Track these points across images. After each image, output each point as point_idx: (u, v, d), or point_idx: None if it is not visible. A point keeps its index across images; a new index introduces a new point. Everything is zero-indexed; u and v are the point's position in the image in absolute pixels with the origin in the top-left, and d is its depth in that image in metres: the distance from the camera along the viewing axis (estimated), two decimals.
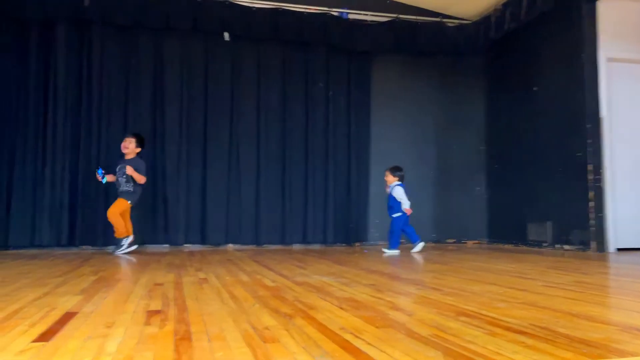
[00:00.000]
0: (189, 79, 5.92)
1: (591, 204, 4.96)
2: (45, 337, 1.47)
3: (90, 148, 5.55)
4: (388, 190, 5.18)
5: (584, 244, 5.02)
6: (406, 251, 5.15)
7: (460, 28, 6.60)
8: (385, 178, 5.26)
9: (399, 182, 5.13)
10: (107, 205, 5.42)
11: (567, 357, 1.26)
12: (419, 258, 4.45)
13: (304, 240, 6.11)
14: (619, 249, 5.00)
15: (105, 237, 5.38)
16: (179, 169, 5.82)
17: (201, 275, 3.02)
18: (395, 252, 4.96)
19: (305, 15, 6.13)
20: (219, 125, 5.97)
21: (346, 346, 1.37)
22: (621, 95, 5.24)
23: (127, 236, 4.71)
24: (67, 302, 2.05)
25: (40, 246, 5.28)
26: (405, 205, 5.02)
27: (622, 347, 1.37)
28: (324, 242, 6.16)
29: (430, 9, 6.61)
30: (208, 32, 5.92)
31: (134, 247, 4.84)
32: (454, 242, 6.60)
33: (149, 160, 5.69)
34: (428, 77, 6.73)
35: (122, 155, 4.90)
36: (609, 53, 5.15)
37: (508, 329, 1.57)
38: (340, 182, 6.30)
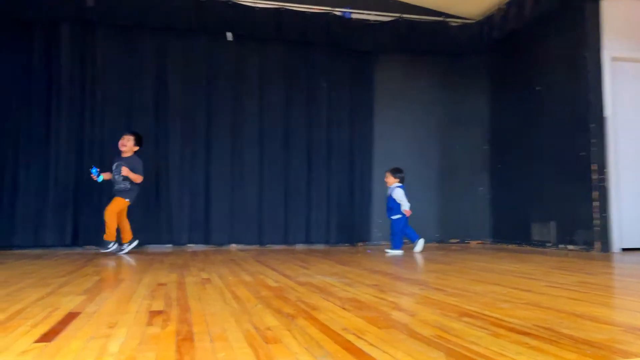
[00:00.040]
0: (191, 78, 5.93)
1: (595, 203, 4.94)
2: (47, 337, 1.47)
3: (93, 148, 5.56)
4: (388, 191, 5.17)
5: (588, 244, 5.00)
6: (409, 251, 5.14)
7: (464, 27, 6.58)
8: (385, 179, 5.24)
9: (399, 184, 5.11)
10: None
11: (571, 358, 1.25)
12: (421, 258, 4.44)
13: (307, 240, 6.11)
14: (624, 249, 4.97)
15: None
16: (182, 169, 5.83)
17: (204, 275, 3.02)
18: (398, 252, 4.95)
19: (308, 15, 6.13)
20: (222, 125, 5.97)
21: (348, 347, 1.37)
22: (625, 94, 5.22)
23: (114, 241, 4.60)
24: (70, 302, 2.05)
25: (44, 246, 5.30)
26: (405, 207, 5.01)
27: (626, 348, 1.36)
28: (327, 242, 6.16)
29: (433, 9, 6.60)
30: (211, 32, 5.93)
31: (132, 246, 4.81)
32: (457, 242, 6.58)
33: (152, 160, 5.71)
34: (431, 77, 6.72)
35: (119, 152, 4.78)
36: (613, 52, 5.13)
37: (511, 329, 1.57)
38: (343, 182, 6.29)
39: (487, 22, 6.38)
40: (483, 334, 1.51)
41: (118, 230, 4.74)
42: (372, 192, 6.33)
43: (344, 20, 6.25)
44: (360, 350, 1.33)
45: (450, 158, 6.67)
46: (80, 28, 5.61)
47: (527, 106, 5.97)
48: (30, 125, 5.43)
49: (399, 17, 6.39)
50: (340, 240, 6.21)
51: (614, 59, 5.14)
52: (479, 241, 6.63)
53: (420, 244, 5.16)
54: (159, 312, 1.84)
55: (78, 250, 5.28)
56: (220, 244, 5.85)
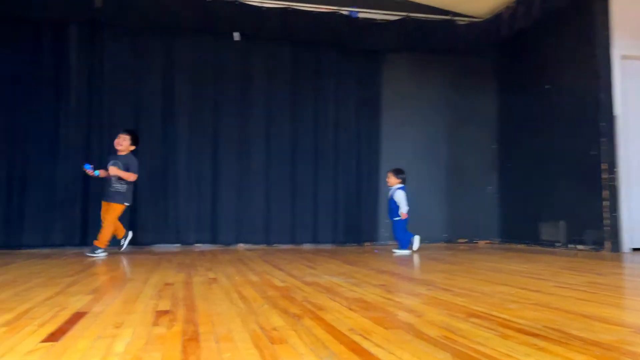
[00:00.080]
0: (199, 79, 5.94)
1: (605, 203, 4.90)
2: (54, 337, 1.48)
3: (102, 148, 5.58)
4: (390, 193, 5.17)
5: (598, 244, 4.96)
6: (417, 250, 5.11)
7: (472, 26, 6.54)
8: (387, 180, 5.22)
9: (401, 185, 5.09)
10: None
11: None
12: (420, 257, 4.42)
13: (314, 240, 6.10)
14: (634, 249, 4.92)
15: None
16: (190, 169, 5.84)
17: (211, 275, 3.03)
18: (406, 252, 4.93)
19: (315, 15, 6.12)
20: (229, 124, 5.98)
21: (354, 347, 1.36)
22: (635, 92, 5.16)
23: (104, 248, 4.48)
24: (77, 302, 2.06)
25: (53, 246, 5.33)
26: (403, 209, 4.99)
27: (636, 350, 1.34)
28: (334, 241, 6.15)
29: (441, 7, 6.56)
30: (218, 32, 5.93)
31: (129, 239, 4.80)
32: (466, 242, 6.55)
33: (160, 160, 5.75)
34: (438, 76, 6.68)
35: (115, 151, 4.67)
36: (622, 50, 5.07)
37: (520, 330, 1.55)
38: (351, 182, 6.28)
39: (495, 20, 6.33)
40: (491, 335, 1.49)
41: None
42: (379, 192, 6.31)
43: (351, 20, 6.24)
44: (366, 351, 1.33)
45: (458, 157, 6.63)
46: (88, 29, 5.64)
47: (536, 105, 5.93)
48: (38, 125, 5.47)
49: (406, 16, 6.37)
50: (347, 240, 6.20)
51: (624, 57, 5.09)
52: (487, 241, 6.59)
53: (416, 242, 5.14)
54: (166, 312, 1.84)
55: (87, 249, 5.30)
56: (228, 244, 5.85)
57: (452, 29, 6.45)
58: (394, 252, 4.95)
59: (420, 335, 1.50)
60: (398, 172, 5.13)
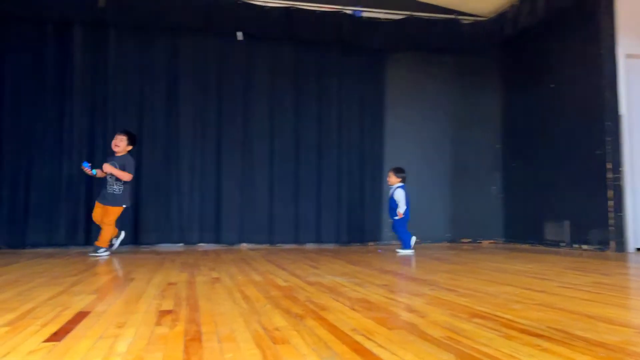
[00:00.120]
0: (202, 78, 5.95)
1: (610, 202, 4.87)
2: (56, 337, 1.47)
3: (106, 148, 5.58)
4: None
5: (603, 244, 4.93)
6: (421, 250, 5.10)
7: (476, 25, 6.52)
8: (387, 179, 5.22)
9: (401, 184, 5.08)
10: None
11: None
12: (429, 257, 4.40)
13: (318, 240, 6.10)
14: (639, 249, 4.90)
15: None
16: (193, 168, 5.85)
17: (214, 274, 3.02)
18: (409, 251, 4.92)
19: (319, 14, 6.11)
20: (232, 124, 5.98)
21: (357, 348, 1.35)
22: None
23: (106, 248, 4.48)
24: (80, 302, 2.06)
25: (56, 245, 5.35)
26: (401, 209, 4.99)
27: None
28: (337, 241, 6.14)
29: (445, 6, 6.55)
30: (221, 31, 5.93)
31: (120, 239, 4.66)
32: (470, 242, 6.53)
33: (163, 159, 5.76)
34: (443, 75, 6.67)
35: (113, 153, 4.62)
36: (627, 49, 5.04)
37: (524, 331, 1.54)
38: (354, 181, 6.28)
39: (500, 19, 6.31)
40: (494, 336, 1.48)
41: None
42: (382, 192, 6.30)
43: (354, 19, 6.23)
44: (368, 351, 1.32)
45: (462, 157, 6.62)
46: (92, 29, 5.65)
47: (540, 104, 5.90)
48: (43, 125, 5.48)
49: (410, 15, 6.35)
50: (351, 239, 6.19)
51: (628, 56, 5.06)
52: (491, 241, 6.57)
53: (412, 241, 5.15)
54: (168, 312, 1.84)
55: (90, 249, 5.31)
56: (231, 243, 5.86)
57: (456, 28, 6.43)
58: (398, 252, 4.93)
59: (423, 335, 1.49)
60: (398, 171, 5.13)
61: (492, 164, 6.67)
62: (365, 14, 6.30)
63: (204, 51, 5.98)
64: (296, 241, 6.04)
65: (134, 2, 5.60)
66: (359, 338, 1.46)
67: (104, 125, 5.63)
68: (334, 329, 1.56)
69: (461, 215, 6.54)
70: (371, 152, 6.34)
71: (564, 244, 5.43)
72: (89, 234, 5.45)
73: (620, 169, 4.91)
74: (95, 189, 5.41)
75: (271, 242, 5.95)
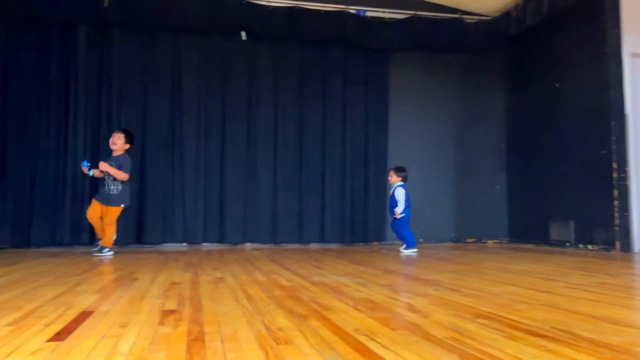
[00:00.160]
0: (206, 78, 5.95)
1: (616, 202, 4.85)
2: (60, 336, 1.48)
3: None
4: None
5: (608, 244, 4.91)
6: (425, 250, 5.09)
7: (480, 24, 6.50)
8: (389, 178, 5.23)
9: (401, 183, 5.09)
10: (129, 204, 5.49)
11: None
12: (433, 257, 4.39)
13: (322, 239, 6.09)
14: None
15: (126, 235, 5.45)
16: (197, 168, 5.85)
17: (218, 274, 3.03)
18: (413, 251, 4.92)
19: (323, 14, 6.10)
20: (236, 124, 5.98)
21: (360, 348, 1.35)
22: None
23: (110, 248, 4.48)
24: (84, 301, 2.06)
25: (61, 244, 5.36)
26: (399, 208, 4.99)
27: None
28: (341, 241, 6.13)
29: (449, 6, 6.53)
30: (225, 31, 5.93)
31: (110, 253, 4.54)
32: (474, 242, 6.51)
33: (167, 159, 5.76)
34: (447, 74, 6.65)
35: (111, 152, 4.60)
36: (632, 48, 5.01)
37: (528, 332, 1.53)
38: (358, 181, 6.26)
39: (504, 18, 6.29)
40: (499, 336, 1.47)
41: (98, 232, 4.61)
42: (386, 191, 6.27)
43: (358, 19, 6.22)
44: (372, 352, 1.31)
45: (466, 156, 6.60)
46: (97, 29, 5.66)
47: (545, 103, 5.88)
48: (48, 125, 5.50)
49: (414, 14, 6.34)
50: (354, 239, 6.18)
51: (634, 55, 5.03)
52: (496, 241, 6.55)
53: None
54: (172, 312, 1.84)
55: (95, 248, 5.32)
56: (235, 243, 5.86)
57: (461, 28, 6.41)
58: (402, 252, 4.92)
59: (427, 336, 1.48)
60: (399, 170, 5.15)
61: (497, 163, 6.64)
62: (369, 14, 6.29)
63: (208, 51, 5.98)
64: (300, 241, 6.04)
65: (138, 2, 5.61)
66: (362, 338, 1.45)
67: (108, 124, 5.64)
68: (337, 329, 1.56)
69: (465, 215, 6.52)
70: (375, 152, 6.33)
71: (569, 244, 5.41)
72: (93, 233, 5.44)
73: (625, 168, 4.89)
74: (100, 188, 5.43)
75: (275, 242, 5.95)
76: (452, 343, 1.40)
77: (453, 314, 1.80)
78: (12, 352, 1.31)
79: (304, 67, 6.22)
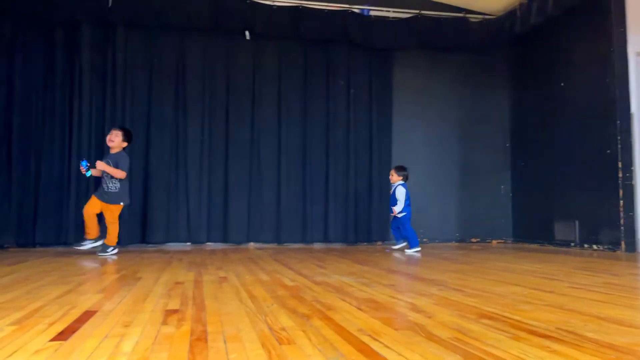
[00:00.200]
0: (210, 77, 5.96)
1: (621, 202, 4.82)
2: (63, 336, 1.48)
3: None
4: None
5: (614, 244, 4.88)
6: (429, 250, 5.08)
7: (485, 23, 6.48)
8: (390, 177, 5.25)
9: (402, 182, 5.13)
10: (131, 204, 5.49)
11: None
12: (437, 257, 4.38)
13: (326, 239, 6.08)
14: None
15: (130, 235, 5.47)
16: (201, 167, 5.86)
17: (221, 274, 3.03)
18: (417, 249, 4.92)
19: (326, 13, 6.10)
20: (240, 123, 5.99)
21: (363, 349, 1.34)
22: None
23: (114, 246, 4.51)
24: (87, 301, 2.06)
25: (65, 244, 5.37)
26: (398, 207, 5.01)
27: None
28: (345, 240, 6.13)
29: (454, 5, 6.51)
30: (229, 31, 5.94)
31: (94, 245, 4.52)
32: (478, 242, 6.49)
33: (171, 159, 5.77)
34: (451, 74, 6.63)
35: (109, 149, 4.59)
36: (638, 47, 4.99)
37: (532, 332, 1.52)
38: (362, 180, 6.26)
39: (509, 17, 6.26)
40: (503, 337, 1.47)
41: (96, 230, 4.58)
42: (390, 190, 6.27)
43: (362, 18, 6.21)
44: (375, 352, 1.31)
45: (471, 156, 6.58)
46: (101, 28, 5.67)
47: (550, 102, 5.85)
48: (52, 125, 5.52)
49: (418, 13, 6.32)
50: (359, 239, 6.18)
51: (639, 53, 5.00)
52: (500, 240, 6.53)
53: (399, 246, 5.24)
54: (175, 311, 1.84)
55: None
56: (239, 243, 5.86)
57: (465, 27, 6.39)
58: (405, 252, 4.92)
59: (430, 336, 1.47)
60: (400, 169, 5.19)
61: (501, 163, 6.63)
62: (373, 13, 6.29)
63: (212, 50, 5.98)
64: (304, 240, 6.03)
65: (142, 1, 5.62)
66: (365, 338, 1.45)
67: (112, 124, 5.63)
68: (340, 329, 1.55)
69: (470, 215, 6.50)
70: (379, 151, 6.32)
71: (574, 244, 5.38)
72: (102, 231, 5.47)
73: (631, 168, 4.86)
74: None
75: (279, 242, 5.95)
76: (456, 343, 1.39)
77: (457, 314, 1.79)
78: (15, 352, 1.31)
79: (308, 67, 6.22)
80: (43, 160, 5.45)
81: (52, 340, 1.43)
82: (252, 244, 5.88)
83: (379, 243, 6.21)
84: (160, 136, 5.77)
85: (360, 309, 1.88)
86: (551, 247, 5.57)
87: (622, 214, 4.81)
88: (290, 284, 2.59)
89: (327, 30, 6.08)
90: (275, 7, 5.97)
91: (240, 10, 5.85)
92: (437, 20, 6.34)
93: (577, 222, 5.35)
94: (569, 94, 5.54)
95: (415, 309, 1.91)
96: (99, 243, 4.53)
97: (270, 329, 1.56)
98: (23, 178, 5.39)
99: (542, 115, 6.01)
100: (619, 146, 4.86)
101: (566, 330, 1.54)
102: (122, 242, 5.32)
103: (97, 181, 5.42)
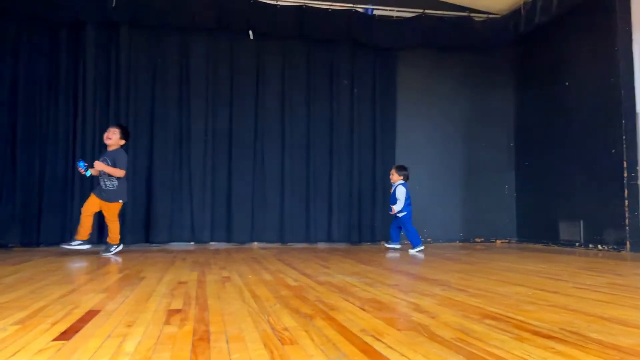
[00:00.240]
0: (214, 77, 5.96)
1: (626, 202, 4.80)
2: (65, 335, 1.48)
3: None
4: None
5: (619, 244, 4.86)
6: (433, 250, 5.07)
7: (489, 22, 6.46)
8: (390, 176, 5.26)
9: (403, 182, 5.14)
10: (135, 203, 5.52)
11: None
12: (441, 257, 4.37)
13: (329, 239, 6.08)
14: None
15: (134, 235, 5.48)
16: (205, 167, 5.86)
17: (225, 273, 3.03)
18: (420, 248, 4.91)
19: (330, 12, 6.09)
20: (244, 123, 5.99)
21: (366, 349, 1.34)
22: None
23: (118, 244, 4.53)
24: (90, 300, 2.07)
25: None
26: (397, 206, 5.01)
27: None
28: (348, 240, 6.12)
29: (458, 4, 6.49)
30: (233, 30, 5.94)
31: (82, 247, 4.47)
32: (482, 242, 6.48)
33: (175, 158, 5.78)
34: (455, 73, 6.62)
35: (106, 147, 4.58)
36: None
37: (536, 333, 1.52)
38: (366, 180, 6.25)
39: (513, 16, 6.24)
40: (506, 338, 1.46)
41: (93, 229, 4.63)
42: None
43: (366, 17, 6.20)
44: (377, 352, 1.30)
45: (475, 155, 6.56)
46: (105, 29, 5.69)
47: (554, 102, 5.83)
48: (56, 125, 5.53)
49: (422, 13, 6.31)
50: (362, 239, 6.17)
51: None
52: (504, 240, 6.51)
53: (394, 246, 5.25)
54: (178, 311, 1.84)
55: (103, 247, 5.34)
56: (242, 242, 5.87)
57: (469, 26, 6.38)
58: (409, 252, 4.91)
59: (433, 337, 1.47)
60: (400, 169, 5.21)
61: (505, 162, 6.61)
62: (377, 12, 6.28)
63: (216, 50, 5.99)
64: (307, 240, 6.03)
65: (146, 1, 5.63)
66: (368, 339, 1.44)
67: (116, 124, 5.65)
68: (343, 330, 1.55)
69: (474, 215, 6.49)
70: (383, 151, 6.31)
71: (578, 244, 5.36)
72: (101, 232, 5.47)
73: (636, 167, 4.83)
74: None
75: (282, 241, 5.95)
76: (459, 344, 1.39)
77: (460, 315, 1.78)
78: (18, 351, 1.31)
79: (312, 66, 6.21)
80: (47, 160, 5.47)
81: (55, 340, 1.43)
82: (255, 244, 5.88)
83: (383, 243, 6.19)
84: (164, 136, 5.78)
85: (363, 309, 1.88)
86: (556, 247, 5.54)
87: (627, 214, 4.79)
88: (293, 283, 2.58)
89: (331, 29, 6.08)
90: (279, 6, 5.97)
91: (244, 10, 5.86)
92: (441, 19, 6.33)
93: (581, 222, 5.33)
94: (574, 94, 5.51)
95: (418, 309, 1.91)
96: (86, 247, 4.48)
97: (273, 329, 1.56)
98: (27, 178, 5.41)
99: (546, 114, 5.98)
100: (624, 146, 4.84)
101: (570, 331, 1.53)
102: (126, 241, 5.35)
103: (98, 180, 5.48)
